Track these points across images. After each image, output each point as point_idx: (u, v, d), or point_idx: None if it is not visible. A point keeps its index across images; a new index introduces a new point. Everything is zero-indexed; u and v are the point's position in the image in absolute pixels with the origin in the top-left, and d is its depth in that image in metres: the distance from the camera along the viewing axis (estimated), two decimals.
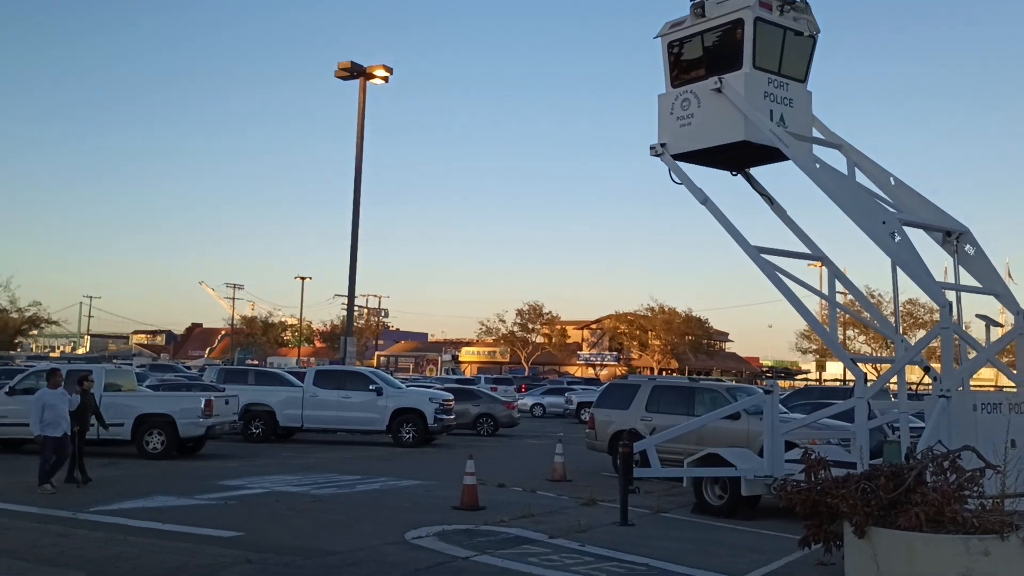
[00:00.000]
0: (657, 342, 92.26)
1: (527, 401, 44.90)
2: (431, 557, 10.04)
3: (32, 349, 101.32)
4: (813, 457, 9.90)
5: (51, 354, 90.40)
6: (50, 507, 12.70)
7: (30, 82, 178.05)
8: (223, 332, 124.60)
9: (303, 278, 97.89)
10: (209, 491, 14.19)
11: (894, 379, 13.86)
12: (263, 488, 15.50)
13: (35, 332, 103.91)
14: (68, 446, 14.89)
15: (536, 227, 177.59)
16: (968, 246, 13.00)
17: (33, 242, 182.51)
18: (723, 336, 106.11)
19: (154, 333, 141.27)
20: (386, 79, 36.16)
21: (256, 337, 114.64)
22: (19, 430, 20.52)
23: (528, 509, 13.42)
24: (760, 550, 10.90)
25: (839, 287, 15.13)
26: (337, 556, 9.90)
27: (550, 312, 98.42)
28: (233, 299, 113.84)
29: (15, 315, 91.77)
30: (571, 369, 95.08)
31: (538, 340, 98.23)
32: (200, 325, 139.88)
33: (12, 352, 76.94)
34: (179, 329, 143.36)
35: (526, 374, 77.01)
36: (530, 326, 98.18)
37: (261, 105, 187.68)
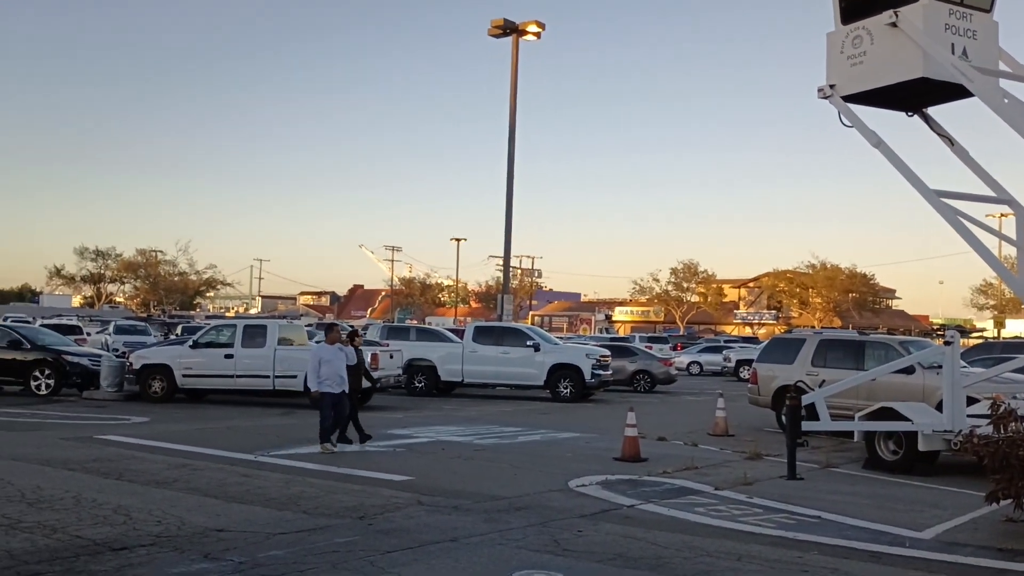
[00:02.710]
0: (818, 300, 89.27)
1: (684, 359, 44.32)
2: (596, 504, 10.05)
3: (209, 309, 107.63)
4: (1002, 409, 9.36)
5: (226, 313, 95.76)
6: (233, 451, 13.44)
7: (199, 52, 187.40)
8: (383, 293, 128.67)
9: (458, 239, 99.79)
10: (378, 439, 14.68)
11: None
12: (428, 437, 15.93)
13: (211, 293, 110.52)
14: (346, 404, 14.20)
15: (691, 184, 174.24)
16: None
17: (208, 207, 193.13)
18: (890, 293, 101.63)
19: (319, 294, 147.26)
20: (538, 35, 36.02)
21: (414, 298, 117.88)
22: (202, 380, 21.99)
23: (691, 462, 13.25)
24: (941, 506, 10.39)
25: None
26: (504, 500, 10.06)
27: (706, 270, 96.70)
28: (392, 261, 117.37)
29: (194, 277, 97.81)
30: (728, 328, 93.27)
31: (693, 299, 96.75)
32: (361, 286, 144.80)
33: (192, 312, 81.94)
34: (342, 290, 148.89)
35: (681, 333, 76.06)
36: (685, 285, 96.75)
37: (415, 67, 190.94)
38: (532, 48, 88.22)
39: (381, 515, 9.10)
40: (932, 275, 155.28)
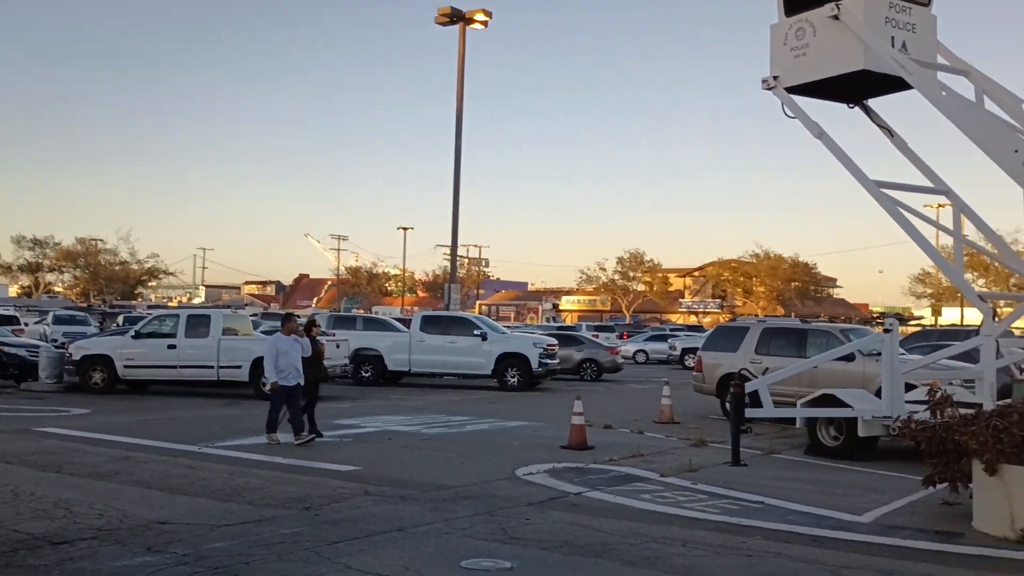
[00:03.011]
0: (762, 288, 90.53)
1: (630, 347, 44.69)
2: (543, 492, 10.10)
3: (152, 299, 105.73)
4: (939, 395, 9.60)
5: (169, 303, 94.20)
6: (177, 442, 13.24)
7: (133, 44, 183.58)
8: (329, 282, 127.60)
9: (405, 228, 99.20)
10: (325, 429, 14.56)
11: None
12: (375, 427, 15.86)
13: (153, 283, 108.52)
14: (299, 397, 13.82)
15: (637, 174, 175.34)
16: None
17: (150, 196, 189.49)
18: (831, 282, 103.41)
19: (264, 283, 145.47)
20: (485, 23, 35.91)
21: (361, 287, 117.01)
22: (144, 371, 21.63)
23: (637, 449, 13.38)
24: (880, 490, 10.62)
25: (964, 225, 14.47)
26: (451, 490, 10.06)
27: (652, 260, 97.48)
28: (338, 250, 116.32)
29: (135, 266, 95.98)
30: (673, 317, 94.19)
31: (639, 288, 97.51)
32: (307, 276, 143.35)
33: (133, 302, 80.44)
34: (287, 280, 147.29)
35: (627, 322, 76.64)
36: (631, 274, 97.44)
37: (363, 54, 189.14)
38: (480, 36, 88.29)
39: (328, 505, 9.05)
40: (872, 264, 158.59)
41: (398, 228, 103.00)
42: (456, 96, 35.98)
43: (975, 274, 72.21)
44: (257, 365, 20.38)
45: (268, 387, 14.82)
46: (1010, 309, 14.50)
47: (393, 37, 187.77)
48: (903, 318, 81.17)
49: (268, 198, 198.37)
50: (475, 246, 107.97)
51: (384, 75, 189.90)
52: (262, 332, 26.93)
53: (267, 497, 9.41)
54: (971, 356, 14.63)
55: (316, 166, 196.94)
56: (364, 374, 26.04)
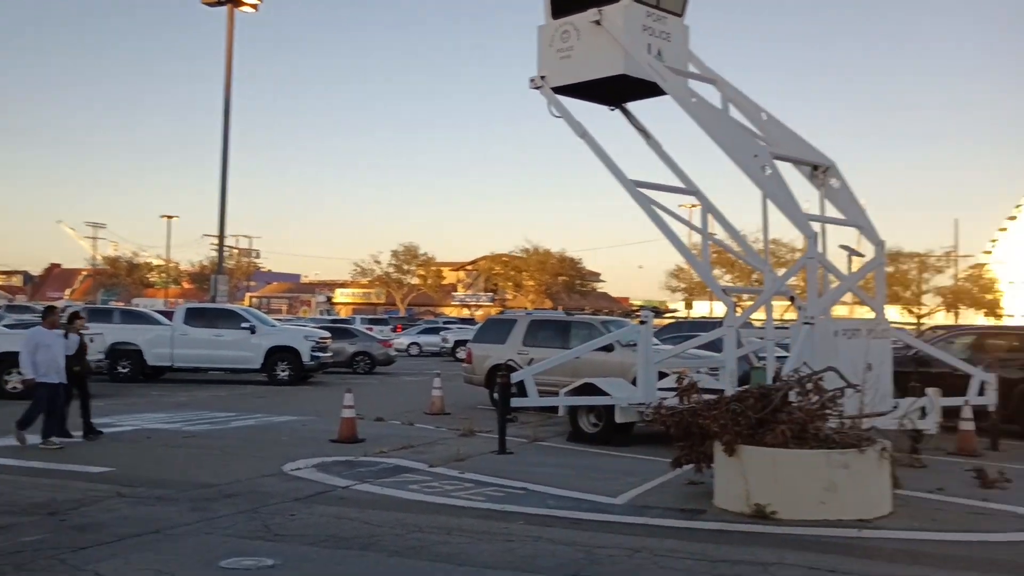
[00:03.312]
0: (531, 283, 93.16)
1: (403, 340, 44.84)
2: (310, 487, 9.95)
3: None
4: (686, 382, 10.27)
5: None
6: None
7: None
8: (84, 273, 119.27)
9: (169, 217, 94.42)
10: (75, 428, 13.63)
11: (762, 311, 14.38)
12: (133, 425, 15.03)
13: None
14: (61, 396, 12.89)
15: (412, 167, 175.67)
16: (834, 180, 13.53)
17: None
18: (595, 276, 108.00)
19: (9, 273, 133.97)
20: (255, 7, 34.80)
21: (120, 278, 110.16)
22: None
23: (407, 441, 13.45)
24: (634, 473, 11.22)
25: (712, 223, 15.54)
26: (213, 488, 9.70)
27: (426, 253, 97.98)
28: (95, 239, 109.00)
29: None
30: (447, 310, 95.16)
31: (414, 282, 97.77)
32: (59, 265, 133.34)
33: None
34: (37, 269, 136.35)
35: (401, 315, 76.71)
36: (405, 267, 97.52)
37: (126, 34, 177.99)
38: (252, 20, 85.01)
39: (75, 510, 8.48)
40: (633, 260, 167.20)
41: (162, 216, 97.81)
42: (224, 80, 34.65)
43: (723, 270, 77.67)
44: (1, 360, 18.76)
45: (22, 383, 13.66)
46: (751, 302, 15.72)
47: (161, 14, 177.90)
48: (660, 311, 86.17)
49: (14, 180, 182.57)
50: (245, 236, 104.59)
51: (150, 54, 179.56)
52: (4, 326, 24.89)
53: (6, 504, 8.70)
54: (716, 346, 15.75)
55: (71, 147, 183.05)
56: (121, 370, 24.57)
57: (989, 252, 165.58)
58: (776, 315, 16.26)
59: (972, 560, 7.34)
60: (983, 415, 13.92)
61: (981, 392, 13.95)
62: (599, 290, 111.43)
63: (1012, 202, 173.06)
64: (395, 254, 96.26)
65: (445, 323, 53.75)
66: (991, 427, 13.93)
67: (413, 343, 45.29)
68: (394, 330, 49.00)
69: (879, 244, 13.32)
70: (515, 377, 13.70)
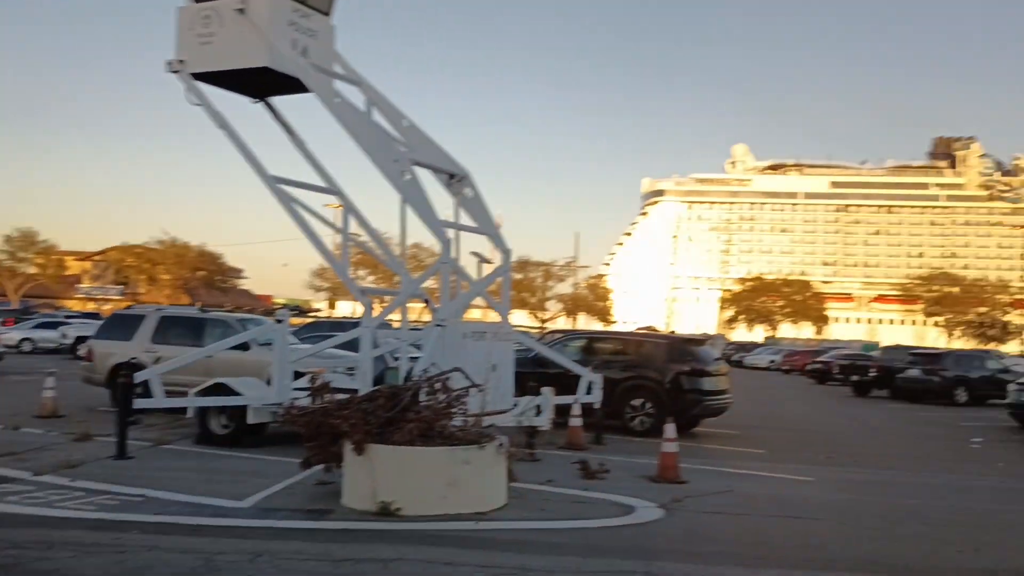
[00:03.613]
0: (167, 276, 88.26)
1: (15, 335, 40.51)
2: None
3: None
4: (319, 382, 10.25)
5: None
6: None
7: None
8: None
9: None
10: None
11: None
12: None
13: None
14: None
15: (27, 149, 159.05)
16: (468, 189, 14.18)
17: None
18: (237, 273, 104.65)
19: None
20: None
21: None
22: None
23: (10, 447, 12.15)
24: (264, 474, 11.00)
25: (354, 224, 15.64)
26: None
27: (46, 240, 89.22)
28: None
29: None
30: (70, 303, 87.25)
31: (31, 271, 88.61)
32: None
33: None
34: None
35: (13, 307, 69.12)
36: (20, 255, 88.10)
37: None
38: None
39: None
40: (278, 257, 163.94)
41: None
42: None
43: (366, 271, 78.71)
44: None
45: None
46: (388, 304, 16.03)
47: None
48: (303, 310, 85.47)
49: None
50: None
51: None
52: None
53: None
54: (355, 345, 15.88)
55: None
56: None
57: (608, 264, 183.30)
58: (418, 317, 16.74)
59: (573, 546, 8.03)
60: (590, 412, 15.31)
61: (589, 391, 15.33)
62: (241, 287, 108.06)
63: (629, 219, 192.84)
64: (8, 239, 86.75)
65: (67, 317, 49.21)
66: (596, 423, 15.37)
67: (26, 338, 40.99)
68: (4, 324, 44.06)
69: (506, 252, 14.18)
70: (139, 376, 12.87)
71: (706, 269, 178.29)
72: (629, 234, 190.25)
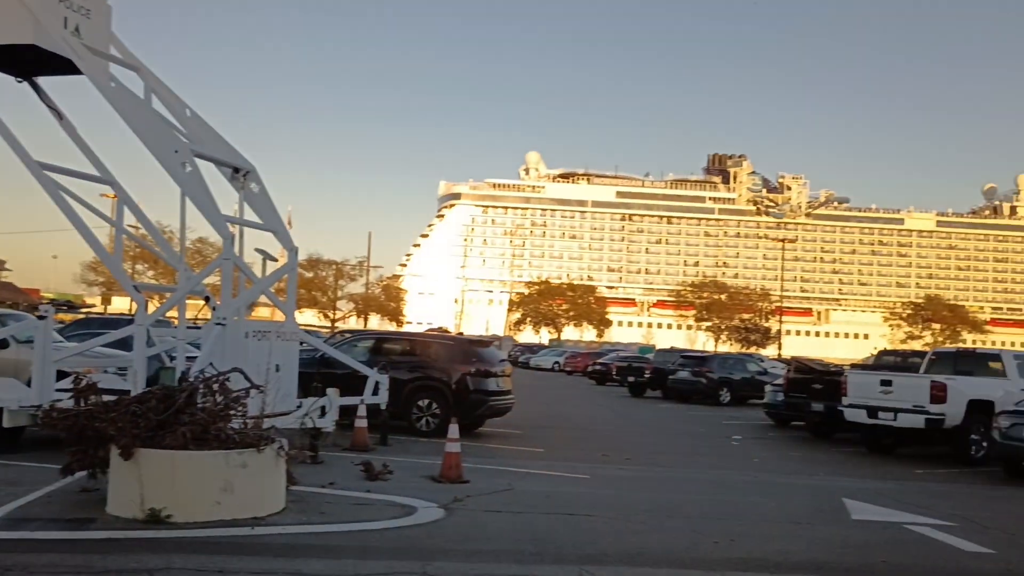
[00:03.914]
0: None
1: None
2: None
3: None
4: (84, 383, 9.65)
5: None
6: None
7: None
8: None
9: None
10: None
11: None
12: None
13: None
14: None
15: None
16: (254, 184, 13.77)
17: None
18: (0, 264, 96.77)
19: None
20: None
21: None
22: None
23: None
24: (20, 483, 10.22)
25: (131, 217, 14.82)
26: None
27: None
28: None
29: None
30: None
31: None
32: None
33: None
34: None
35: None
36: None
37: None
38: None
39: None
40: (48, 249, 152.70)
41: None
42: None
43: (146, 265, 74.76)
44: None
45: None
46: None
47: None
48: (75, 305, 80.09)
49: None
50: None
51: None
52: None
53: None
54: (128, 344, 15.05)
55: None
56: None
57: (405, 265, 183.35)
58: (203, 315, 16.06)
59: (350, 548, 7.96)
60: (377, 413, 15.27)
61: (376, 392, 15.28)
62: (5, 279, 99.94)
63: (427, 221, 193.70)
64: None
65: None
66: (382, 423, 15.35)
67: None
68: None
69: (292, 250, 13.88)
70: None
71: (499, 272, 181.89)
72: (426, 236, 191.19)
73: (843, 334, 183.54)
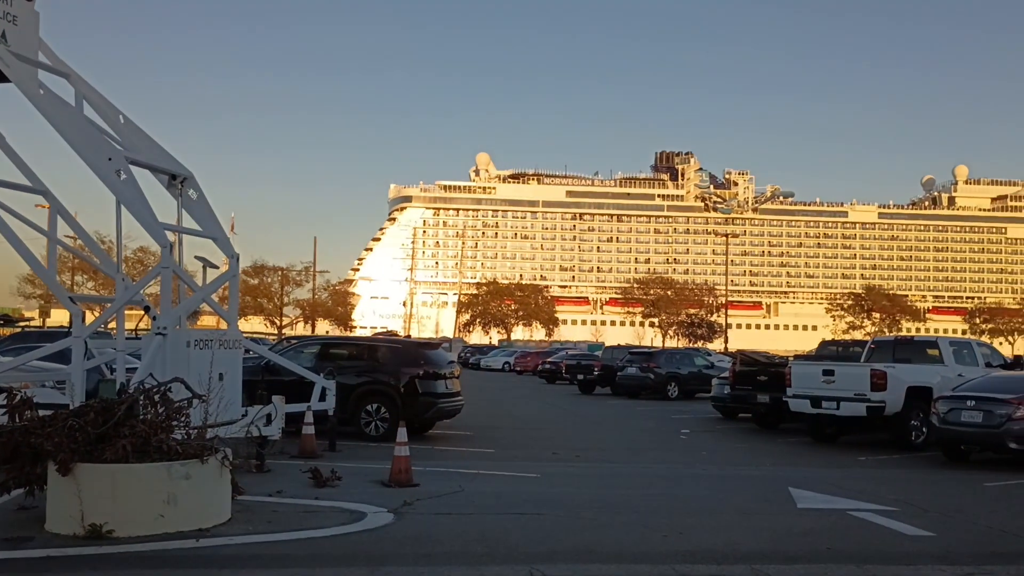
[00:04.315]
0: None
1: None
2: None
3: None
4: (19, 398, 9.42)
5: None
6: None
7: None
8: None
9: None
10: None
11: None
12: None
13: None
14: None
15: None
16: (192, 191, 13.55)
17: None
18: None
19: None
20: None
21: None
22: None
23: None
24: None
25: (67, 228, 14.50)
26: None
27: None
28: None
29: None
30: None
31: None
32: None
33: None
34: None
35: None
36: None
37: None
38: None
39: None
40: None
41: None
42: None
43: (86, 277, 73.34)
44: None
45: None
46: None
47: None
48: (12, 319, 78.24)
49: None
50: None
51: None
52: None
53: None
54: (67, 356, 14.74)
55: None
56: None
57: (357, 269, 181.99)
58: (144, 325, 15.77)
59: (299, 557, 7.87)
60: (324, 419, 15.13)
61: (323, 398, 15.14)
62: None
63: (377, 224, 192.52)
64: None
65: None
66: (330, 429, 15.21)
67: None
68: None
69: (233, 256, 13.69)
70: None
71: (451, 274, 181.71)
72: (378, 239, 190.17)
73: (791, 326, 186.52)
